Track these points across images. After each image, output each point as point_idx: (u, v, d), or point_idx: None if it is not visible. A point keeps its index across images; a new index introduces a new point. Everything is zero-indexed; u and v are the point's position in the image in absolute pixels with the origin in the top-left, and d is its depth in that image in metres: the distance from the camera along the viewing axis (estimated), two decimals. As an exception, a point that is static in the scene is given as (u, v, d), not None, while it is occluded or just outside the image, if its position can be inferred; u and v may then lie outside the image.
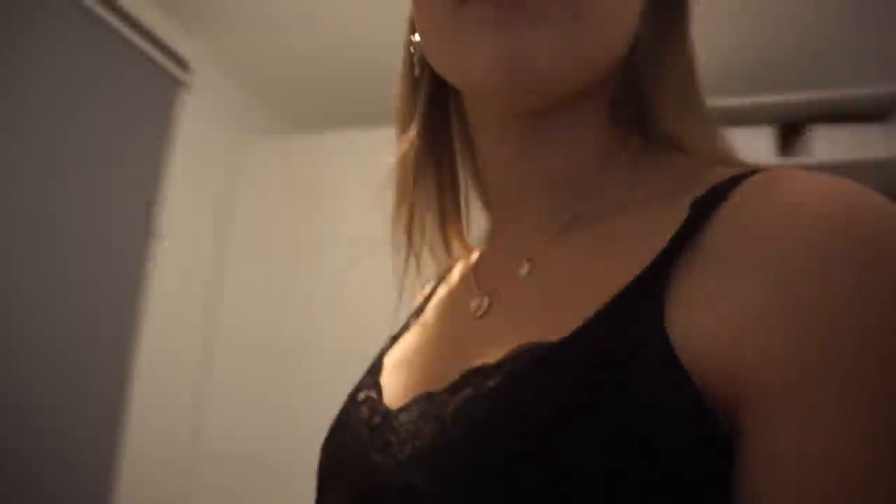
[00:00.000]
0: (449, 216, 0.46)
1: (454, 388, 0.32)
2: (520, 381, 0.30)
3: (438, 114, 0.44)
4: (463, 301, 0.41)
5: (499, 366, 0.31)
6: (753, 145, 1.76)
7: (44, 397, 1.81)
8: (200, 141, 2.31)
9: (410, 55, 0.42)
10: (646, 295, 0.29)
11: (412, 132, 0.43)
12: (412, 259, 0.45)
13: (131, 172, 1.99)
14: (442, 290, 0.46)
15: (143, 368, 2.13)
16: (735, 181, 0.30)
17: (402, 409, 0.35)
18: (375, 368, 0.43)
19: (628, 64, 0.37)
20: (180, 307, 2.29)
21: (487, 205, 0.46)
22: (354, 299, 2.14)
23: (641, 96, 0.37)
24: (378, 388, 0.40)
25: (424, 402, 0.34)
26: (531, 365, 0.30)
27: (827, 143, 1.76)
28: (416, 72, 0.42)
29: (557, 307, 0.34)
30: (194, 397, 2.35)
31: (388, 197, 0.45)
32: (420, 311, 0.48)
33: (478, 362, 0.33)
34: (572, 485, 0.26)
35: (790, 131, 1.87)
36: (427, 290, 0.50)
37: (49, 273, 1.75)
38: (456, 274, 0.47)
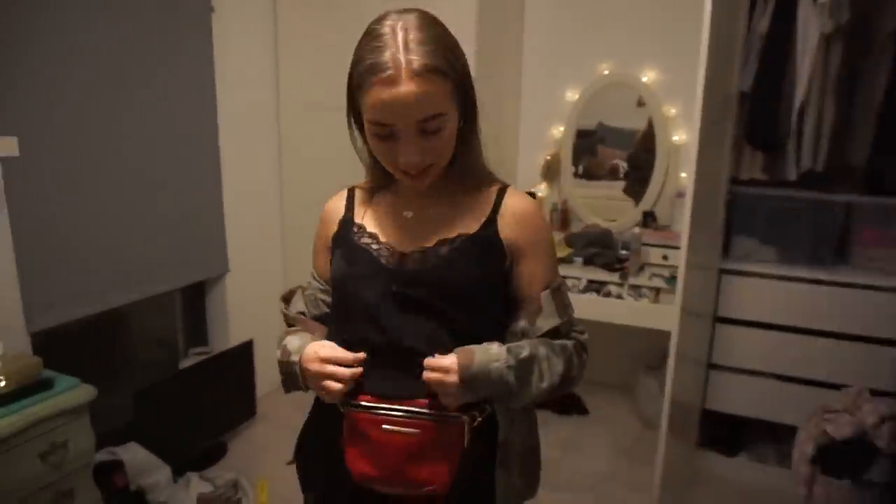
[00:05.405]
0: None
1: (437, 246, 1.00)
2: (462, 247, 1.00)
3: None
4: (397, 214, 1.06)
5: (451, 239, 1.00)
6: None
7: (158, 161, 2.35)
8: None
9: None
10: (492, 225, 1.02)
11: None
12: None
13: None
14: (374, 211, 1.08)
15: (227, 131, 2.64)
16: (502, 188, 1.07)
17: (411, 253, 1.00)
18: (366, 233, 1.06)
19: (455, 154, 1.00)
20: (246, 76, 2.74)
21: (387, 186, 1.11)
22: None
23: (459, 162, 1.02)
24: (383, 242, 1.03)
25: (424, 252, 1.00)
26: (463, 243, 1.00)
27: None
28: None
29: (452, 225, 1.03)
30: (273, 154, 2.96)
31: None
32: (358, 216, 1.10)
33: (432, 238, 1.01)
34: (485, 287, 1.01)
35: None
36: (341, 212, 1.11)
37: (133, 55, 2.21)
38: (374, 206, 1.09)
